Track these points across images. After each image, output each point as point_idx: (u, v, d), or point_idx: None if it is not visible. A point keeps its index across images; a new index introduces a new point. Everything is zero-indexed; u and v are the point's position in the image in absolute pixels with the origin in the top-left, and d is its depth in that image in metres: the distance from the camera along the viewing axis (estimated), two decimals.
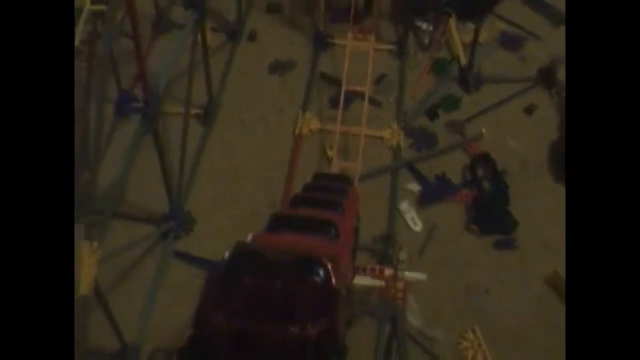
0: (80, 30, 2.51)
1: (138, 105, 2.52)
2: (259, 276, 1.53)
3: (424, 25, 4.00)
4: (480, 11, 4.02)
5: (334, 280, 1.58)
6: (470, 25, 3.87)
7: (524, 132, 3.53)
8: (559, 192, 3.27)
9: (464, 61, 3.78)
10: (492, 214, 3.17)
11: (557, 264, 2.95)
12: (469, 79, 3.74)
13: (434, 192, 3.27)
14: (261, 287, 1.52)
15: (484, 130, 3.46)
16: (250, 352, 1.47)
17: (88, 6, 2.45)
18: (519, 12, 4.15)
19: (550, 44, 3.96)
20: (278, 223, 1.89)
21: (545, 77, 3.77)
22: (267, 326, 1.45)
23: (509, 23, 4.09)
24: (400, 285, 2.34)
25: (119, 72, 3.28)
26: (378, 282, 2.35)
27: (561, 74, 3.73)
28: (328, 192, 2.33)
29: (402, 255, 2.85)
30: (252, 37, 3.89)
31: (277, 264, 1.54)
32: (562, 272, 2.90)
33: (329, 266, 1.58)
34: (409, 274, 2.52)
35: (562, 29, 4.02)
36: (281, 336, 1.44)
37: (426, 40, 3.94)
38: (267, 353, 1.45)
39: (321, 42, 3.88)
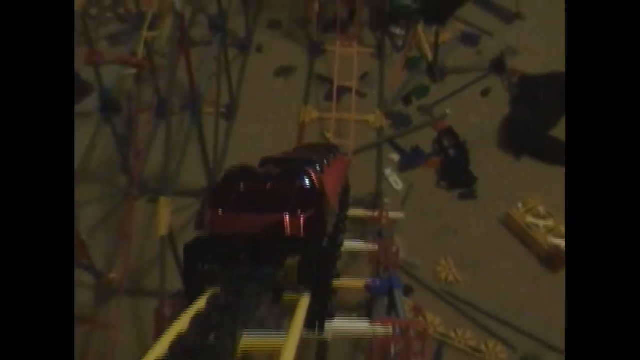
0: (141, 50, 3.36)
1: (187, 104, 3.34)
2: (251, 182, 1.62)
3: (397, 31, 4.76)
4: (442, 17, 4.90)
5: (318, 186, 1.68)
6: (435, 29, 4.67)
7: (481, 110, 4.31)
8: (509, 154, 4.12)
9: (430, 57, 4.58)
10: (456, 173, 3.94)
11: (508, 207, 3.75)
12: (435, 72, 4.50)
13: (410, 160, 4.04)
14: (254, 189, 1.61)
15: (448, 111, 4.24)
16: (247, 239, 1.54)
17: (144, 32, 3.30)
18: (474, 14, 4.90)
19: (501, 38, 4.72)
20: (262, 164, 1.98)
21: (497, 66, 4.53)
22: (261, 215, 1.54)
23: (466, 24, 4.85)
24: (385, 216, 3.19)
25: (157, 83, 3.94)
26: (369, 214, 3.21)
27: (510, 62, 4.55)
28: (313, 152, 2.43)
29: (386, 200, 3.72)
30: (259, 49, 4.68)
31: (267, 174, 1.64)
32: (512, 213, 3.72)
33: (314, 175, 1.68)
34: (392, 214, 3.38)
35: (510, 26, 4.81)
36: (274, 222, 1.53)
37: (400, 43, 4.71)
38: (262, 240, 1.53)
39: (315, 50, 4.62)
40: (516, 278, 3.55)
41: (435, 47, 4.57)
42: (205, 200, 1.65)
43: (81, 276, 3.37)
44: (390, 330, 1.90)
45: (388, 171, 4.01)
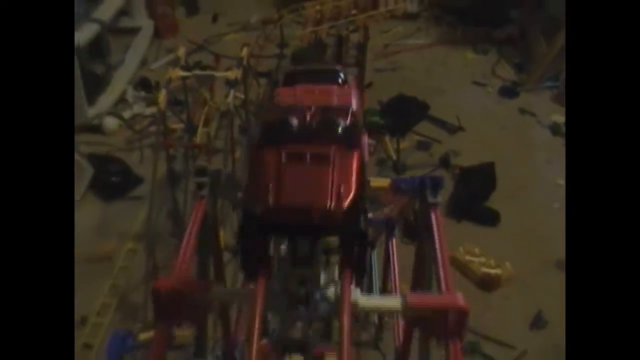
0: (199, 139, 4.74)
1: None
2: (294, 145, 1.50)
3: (370, 141, 6.18)
4: (403, 131, 6.50)
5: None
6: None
7: None
8: (454, 219, 5.42)
9: (395, 158, 6.03)
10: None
11: (452, 252, 5.00)
12: (398, 168, 5.88)
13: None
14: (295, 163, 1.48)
15: None
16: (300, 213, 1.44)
17: (200, 129, 4.74)
18: (427, 128, 6.42)
19: (446, 144, 6.20)
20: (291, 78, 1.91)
21: (443, 163, 5.98)
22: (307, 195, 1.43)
23: (421, 135, 6.35)
24: None
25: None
26: None
27: (453, 160, 6.04)
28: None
29: None
30: None
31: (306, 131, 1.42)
32: (455, 254, 4.97)
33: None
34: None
35: (454, 135, 6.38)
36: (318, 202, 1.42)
37: (371, 149, 5.94)
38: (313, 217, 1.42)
39: None
40: None
41: (398, 151, 6.08)
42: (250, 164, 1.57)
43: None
44: None
45: None
